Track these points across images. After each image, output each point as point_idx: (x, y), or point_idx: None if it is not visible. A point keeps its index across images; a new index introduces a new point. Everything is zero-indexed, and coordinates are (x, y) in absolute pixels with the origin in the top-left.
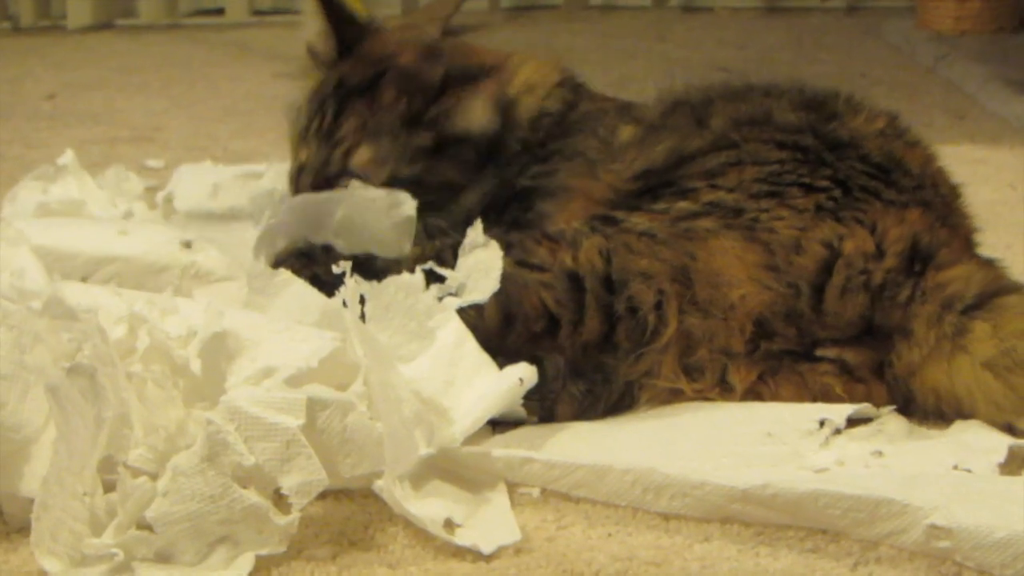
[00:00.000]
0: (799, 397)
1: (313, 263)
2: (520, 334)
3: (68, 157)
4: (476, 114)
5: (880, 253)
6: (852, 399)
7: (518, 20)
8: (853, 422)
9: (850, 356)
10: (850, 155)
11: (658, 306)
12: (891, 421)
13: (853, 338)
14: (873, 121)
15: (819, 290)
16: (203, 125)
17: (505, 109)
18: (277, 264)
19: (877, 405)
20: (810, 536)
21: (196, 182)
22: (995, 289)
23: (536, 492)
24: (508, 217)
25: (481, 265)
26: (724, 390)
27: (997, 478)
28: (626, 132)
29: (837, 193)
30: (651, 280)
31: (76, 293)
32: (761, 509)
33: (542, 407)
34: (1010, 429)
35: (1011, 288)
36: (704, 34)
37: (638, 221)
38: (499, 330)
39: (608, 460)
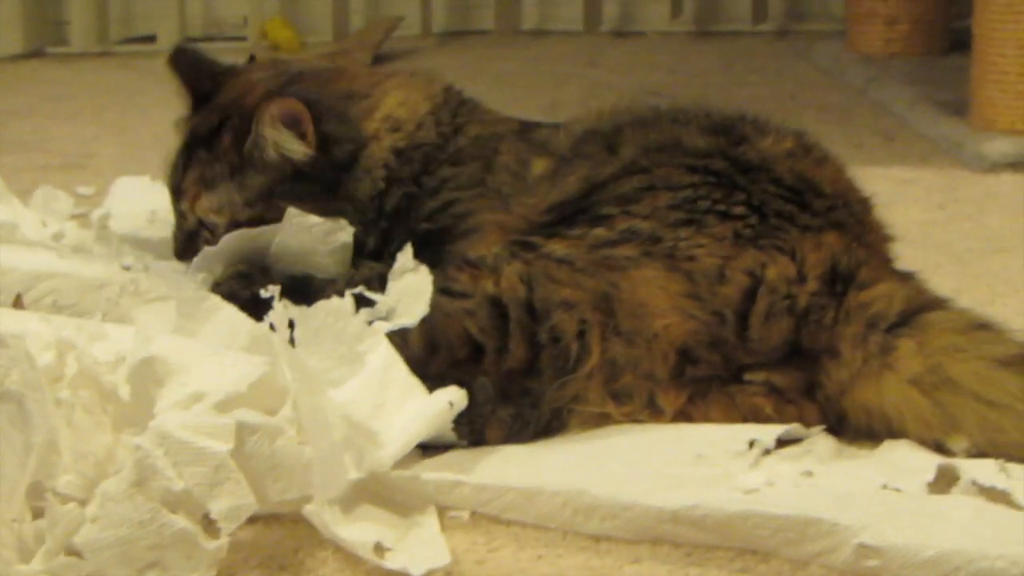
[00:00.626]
0: (729, 418)
1: (252, 284)
2: (444, 360)
3: None
4: (268, 137)
5: (801, 277)
6: (783, 419)
7: (450, 45)
8: (782, 443)
9: (778, 379)
10: (762, 178)
11: (581, 335)
12: (820, 441)
13: (780, 361)
14: (781, 141)
15: (743, 317)
16: (135, 152)
17: (356, 150)
18: (216, 286)
19: (808, 425)
20: (740, 556)
21: (134, 203)
22: (919, 305)
23: (466, 515)
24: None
25: (411, 289)
26: (654, 412)
27: (926, 497)
28: (539, 165)
29: (754, 220)
30: (573, 309)
31: (3, 319)
32: (691, 530)
33: (471, 431)
34: (939, 447)
35: (934, 304)
36: (635, 59)
37: (556, 247)
38: (423, 357)
39: (538, 482)
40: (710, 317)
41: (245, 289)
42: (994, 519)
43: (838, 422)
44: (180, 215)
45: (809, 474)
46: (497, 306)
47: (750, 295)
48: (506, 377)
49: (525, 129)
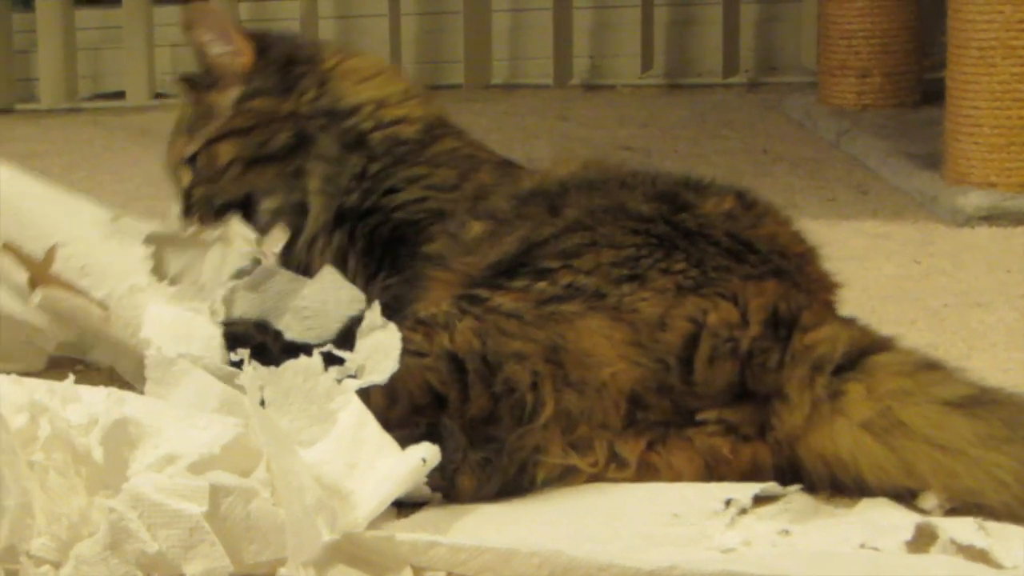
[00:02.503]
0: (691, 462)
1: (266, 335)
2: (404, 408)
3: None
4: (196, 42)
5: (744, 322)
6: (739, 460)
7: None
8: (759, 500)
9: (730, 415)
10: (700, 242)
11: (534, 387)
12: (797, 499)
13: (729, 401)
14: (721, 203)
15: (687, 362)
16: None
17: (319, 90)
18: (231, 324)
19: (764, 465)
20: None
21: None
22: (864, 347)
23: None
24: (389, 261)
25: (380, 346)
26: (618, 464)
27: (904, 556)
28: (476, 227)
29: (694, 273)
30: (525, 361)
31: None
32: None
33: (443, 478)
34: (913, 504)
35: (880, 346)
36: (606, 112)
37: (502, 300)
38: (384, 406)
39: (515, 543)
40: (654, 364)
41: (259, 335)
42: None
43: (790, 468)
44: (177, 181)
45: (786, 533)
46: (455, 361)
47: (692, 341)
48: (469, 425)
49: (505, 162)
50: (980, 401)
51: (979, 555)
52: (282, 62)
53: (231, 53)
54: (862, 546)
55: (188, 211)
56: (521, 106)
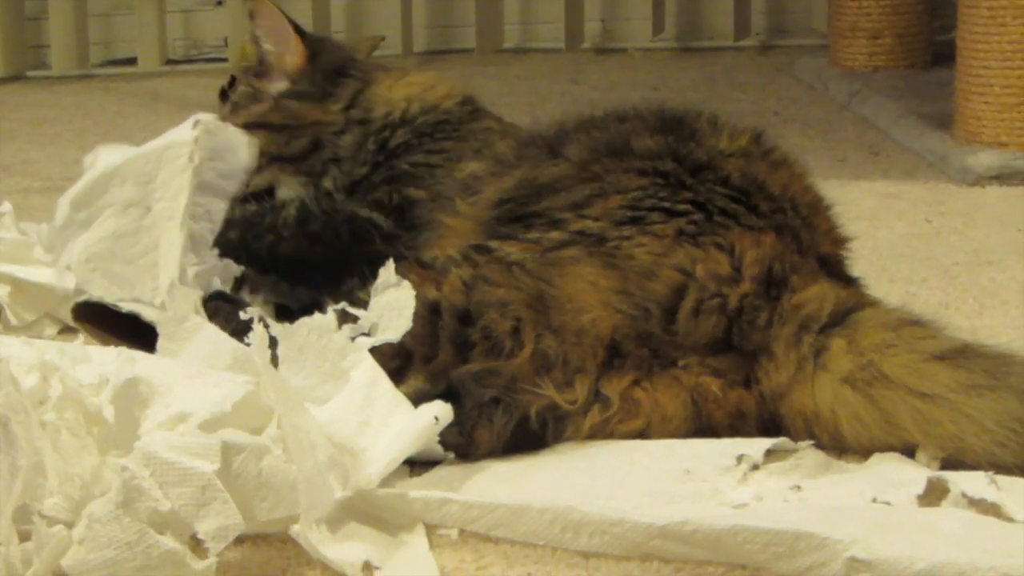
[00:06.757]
0: (676, 396)
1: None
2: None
3: (6, 208)
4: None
5: (737, 276)
6: (728, 401)
7: (432, 64)
8: (771, 456)
9: (713, 362)
10: (710, 178)
11: (515, 331)
12: (809, 455)
13: (713, 352)
14: (735, 139)
15: (671, 312)
16: None
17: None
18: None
19: (748, 413)
20: (730, 571)
21: None
22: (851, 305)
23: (454, 533)
24: (373, 196)
25: (394, 304)
26: (601, 403)
27: (916, 510)
28: (473, 165)
29: (698, 216)
30: (507, 308)
31: None
32: (680, 545)
33: (460, 433)
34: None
35: (866, 303)
36: (618, 76)
37: (511, 250)
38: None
39: (526, 499)
40: (636, 311)
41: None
42: (984, 531)
43: (771, 422)
44: None
45: (798, 488)
46: (435, 312)
47: (679, 291)
48: (431, 376)
49: (502, 133)
50: (964, 353)
51: (990, 508)
52: (330, 70)
53: (283, 52)
54: (874, 500)
55: None
56: (533, 70)
